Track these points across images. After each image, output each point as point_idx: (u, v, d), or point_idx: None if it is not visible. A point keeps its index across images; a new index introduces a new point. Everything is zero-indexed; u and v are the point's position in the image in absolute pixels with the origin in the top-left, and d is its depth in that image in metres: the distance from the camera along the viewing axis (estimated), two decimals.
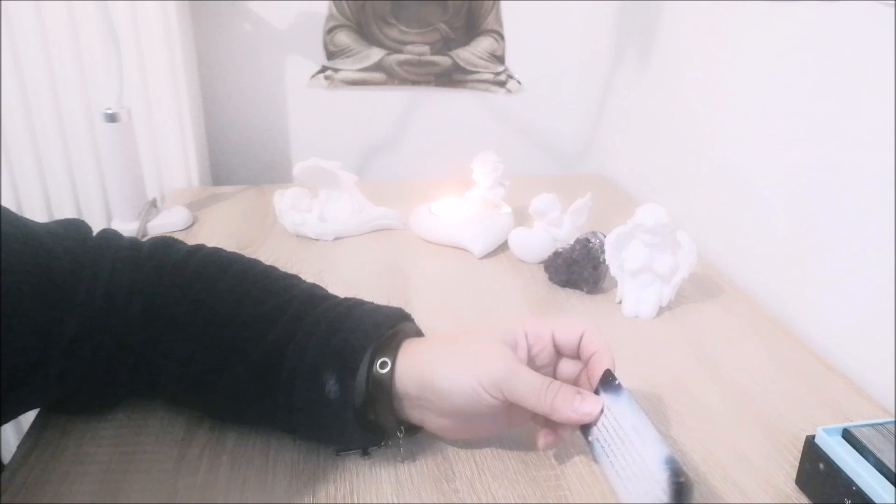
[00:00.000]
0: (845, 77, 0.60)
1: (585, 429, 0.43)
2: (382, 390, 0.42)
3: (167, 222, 0.85)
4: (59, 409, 0.49)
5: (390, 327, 0.45)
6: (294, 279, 0.51)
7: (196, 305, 0.47)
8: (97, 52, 0.94)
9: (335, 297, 0.49)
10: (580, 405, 0.41)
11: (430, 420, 0.44)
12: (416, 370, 0.42)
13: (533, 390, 0.41)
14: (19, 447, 0.46)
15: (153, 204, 0.88)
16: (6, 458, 0.46)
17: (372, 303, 0.47)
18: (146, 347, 0.46)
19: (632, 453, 0.40)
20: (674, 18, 0.89)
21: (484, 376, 0.41)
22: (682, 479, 0.38)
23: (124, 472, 0.44)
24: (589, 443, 0.42)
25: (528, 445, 0.48)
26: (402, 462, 0.46)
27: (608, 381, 0.43)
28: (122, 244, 0.49)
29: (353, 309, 0.46)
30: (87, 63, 0.95)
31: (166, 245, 0.51)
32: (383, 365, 0.42)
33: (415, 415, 0.44)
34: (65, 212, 1.02)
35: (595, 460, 0.42)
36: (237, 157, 1.15)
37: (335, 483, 0.44)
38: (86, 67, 0.95)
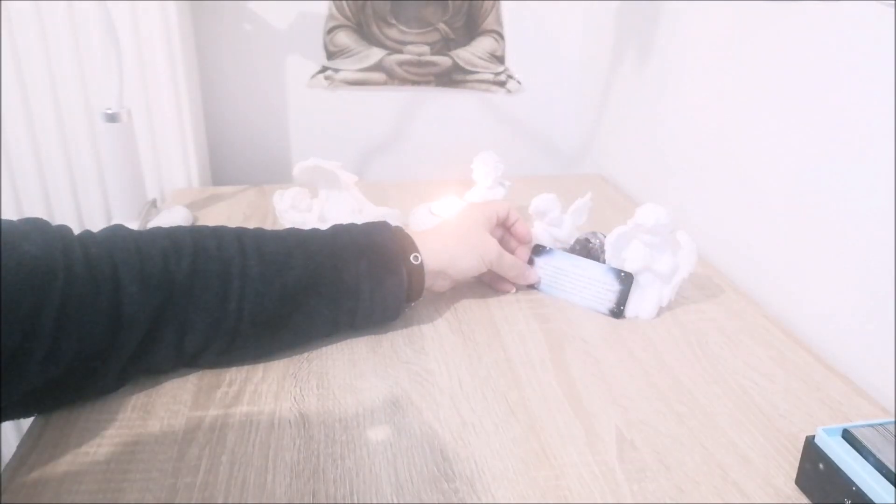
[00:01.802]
0: (845, 77, 0.60)
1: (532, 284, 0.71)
2: (419, 273, 0.60)
3: (167, 222, 0.84)
4: (54, 399, 0.49)
5: (398, 232, 0.62)
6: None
7: (226, 259, 0.52)
8: (97, 52, 0.94)
9: (322, 231, 0.60)
10: (528, 274, 0.70)
11: (437, 284, 0.64)
12: (439, 255, 0.62)
13: (511, 266, 0.67)
14: (19, 447, 0.46)
15: (153, 204, 0.88)
16: (6, 458, 0.46)
17: (354, 224, 0.62)
18: (160, 312, 0.49)
19: (579, 278, 0.68)
20: (674, 18, 0.89)
21: (485, 259, 0.65)
22: (625, 273, 0.65)
23: (124, 472, 0.44)
24: (537, 288, 0.71)
25: (527, 445, 0.48)
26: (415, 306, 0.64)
27: (540, 250, 0.70)
28: (84, 234, 0.50)
29: (360, 229, 0.60)
30: (87, 63, 0.95)
31: (123, 227, 0.53)
32: (415, 258, 0.60)
33: (428, 283, 0.62)
34: (65, 211, 1.02)
35: (547, 294, 0.70)
36: (237, 157, 1.15)
37: (335, 483, 0.44)
38: (86, 67, 0.95)
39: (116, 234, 0.51)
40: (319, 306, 0.56)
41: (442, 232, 0.65)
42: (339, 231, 0.60)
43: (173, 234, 0.53)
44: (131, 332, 0.48)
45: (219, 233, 0.54)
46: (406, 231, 0.62)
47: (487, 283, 0.71)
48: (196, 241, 0.52)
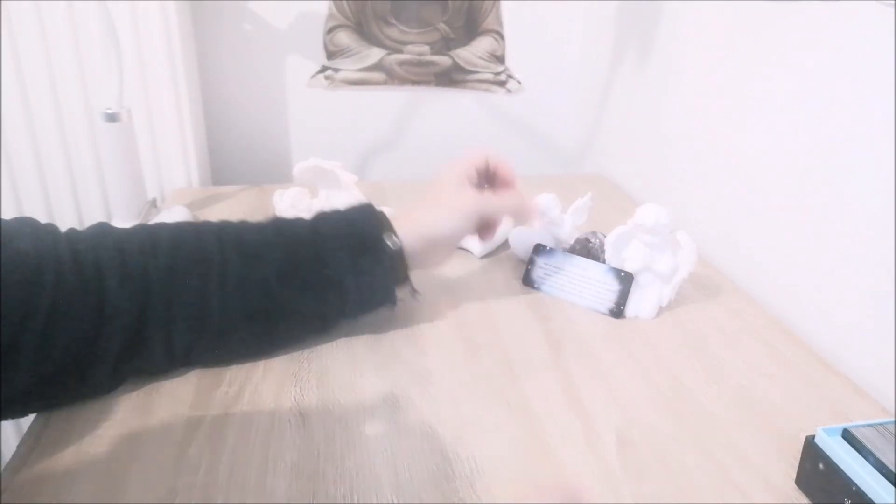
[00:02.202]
0: (845, 77, 0.60)
1: (532, 282, 0.70)
2: (400, 255, 0.57)
3: (167, 222, 0.84)
4: (50, 398, 0.49)
5: (373, 215, 0.60)
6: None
7: (203, 257, 0.52)
8: (97, 52, 0.94)
9: (298, 220, 0.59)
10: (527, 203, 0.66)
11: (433, 259, 0.62)
12: (418, 232, 0.58)
13: (504, 206, 0.64)
14: (19, 447, 0.46)
15: (153, 204, 0.88)
16: (6, 458, 0.46)
17: (333, 210, 0.60)
18: (151, 309, 0.50)
19: (579, 278, 0.67)
20: (674, 18, 0.89)
21: (468, 214, 0.60)
22: (624, 272, 0.65)
23: (124, 472, 0.44)
24: (537, 288, 0.70)
25: (527, 446, 0.48)
26: (421, 303, 0.64)
27: (540, 250, 0.70)
28: (70, 232, 0.52)
29: (341, 216, 0.59)
30: (87, 63, 0.95)
31: (107, 224, 0.54)
32: (393, 243, 0.57)
33: (416, 262, 0.59)
34: (65, 211, 1.02)
35: (548, 293, 0.69)
36: (237, 157, 1.15)
37: (335, 483, 0.44)
38: (86, 67, 0.95)
39: (100, 232, 0.52)
40: (306, 297, 0.55)
41: (416, 208, 0.63)
42: (319, 219, 0.59)
43: (153, 231, 0.54)
44: (114, 324, 0.48)
45: (199, 228, 0.55)
46: (385, 215, 0.60)
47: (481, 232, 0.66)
48: (175, 237, 0.53)
